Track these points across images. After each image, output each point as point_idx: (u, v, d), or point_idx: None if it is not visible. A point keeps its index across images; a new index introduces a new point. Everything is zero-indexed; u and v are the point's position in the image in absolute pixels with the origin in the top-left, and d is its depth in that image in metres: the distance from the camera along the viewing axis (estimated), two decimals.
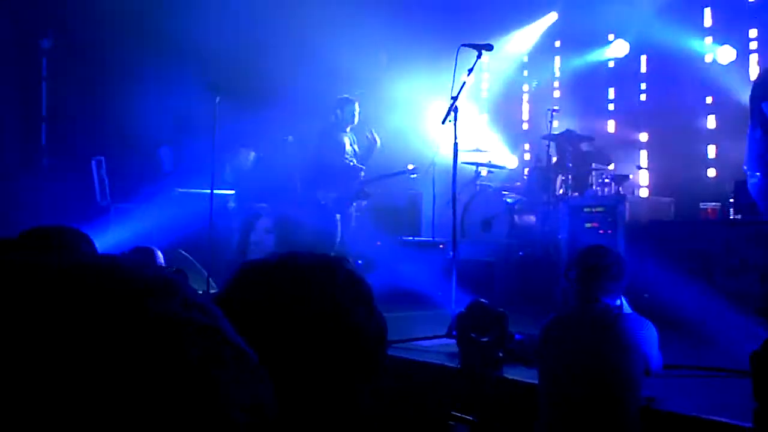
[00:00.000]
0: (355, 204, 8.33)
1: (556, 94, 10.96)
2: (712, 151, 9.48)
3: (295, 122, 9.78)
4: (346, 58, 9.81)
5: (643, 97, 10.16)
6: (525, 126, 11.46)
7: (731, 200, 7.62)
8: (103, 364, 0.48)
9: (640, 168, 9.69)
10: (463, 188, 7.89)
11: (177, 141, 9.44)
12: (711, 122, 9.52)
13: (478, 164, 9.32)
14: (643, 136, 10.15)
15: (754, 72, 8.92)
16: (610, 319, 3.48)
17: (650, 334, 3.51)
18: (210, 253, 7.52)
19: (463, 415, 1.79)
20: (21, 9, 9.60)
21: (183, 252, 7.68)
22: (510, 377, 4.48)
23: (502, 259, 8.12)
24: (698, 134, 9.54)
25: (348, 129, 8.30)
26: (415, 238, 9.34)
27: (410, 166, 8.66)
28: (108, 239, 7.54)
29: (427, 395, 4.70)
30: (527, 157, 10.98)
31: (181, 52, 9.30)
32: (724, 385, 4.39)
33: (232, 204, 9.25)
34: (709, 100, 9.51)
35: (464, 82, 6.01)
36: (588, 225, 7.48)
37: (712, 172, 9.40)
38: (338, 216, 8.08)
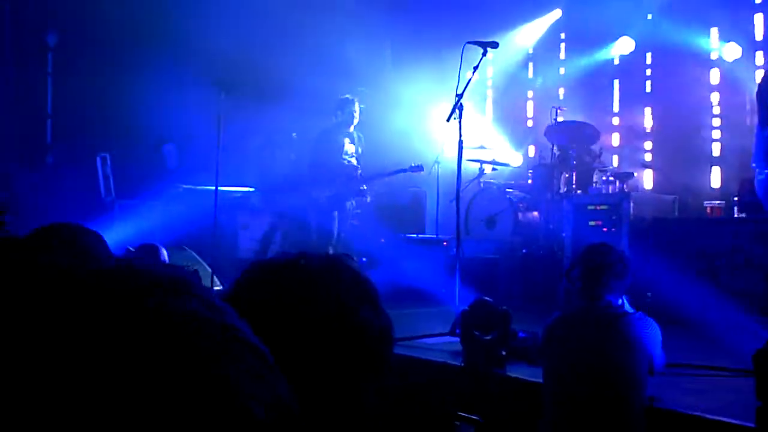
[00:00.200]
0: (354, 201, 8.31)
1: (561, 91, 10.94)
2: (716, 149, 9.46)
3: (299, 119, 9.79)
4: (350, 55, 9.82)
5: (648, 93, 10.14)
6: (530, 123, 11.45)
7: (736, 198, 7.62)
8: (118, 361, 0.49)
9: (644, 166, 9.68)
10: (467, 186, 7.89)
11: (182, 138, 9.45)
12: (716, 120, 9.50)
13: (482, 161, 9.32)
14: (648, 134, 10.14)
15: (760, 69, 8.90)
16: (614, 317, 3.47)
17: (654, 332, 3.50)
18: (214, 250, 7.53)
19: (469, 416, 1.79)
20: (27, 5, 9.61)
21: (187, 249, 7.69)
22: (513, 375, 4.49)
23: (506, 257, 8.13)
24: (703, 132, 9.53)
25: (351, 129, 8.27)
26: (419, 236, 9.35)
27: (413, 164, 8.64)
28: (112, 236, 7.55)
29: (430, 393, 4.71)
30: (531, 154, 10.97)
31: (186, 49, 9.31)
32: (727, 385, 4.39)
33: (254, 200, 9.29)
34: (714, 97, 9.49)
35: (469, 80, 6.02)
36: (592, 223, 7.48)
37: (716, 170, 9.39)
38: (335, 213, 8.07)
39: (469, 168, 8.72)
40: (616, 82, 10.51)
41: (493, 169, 9.52)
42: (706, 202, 8.20)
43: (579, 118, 9.33)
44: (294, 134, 9.87)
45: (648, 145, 10.12)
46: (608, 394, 3.37)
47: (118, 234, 7.47)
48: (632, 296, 6.07)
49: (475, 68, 6.01)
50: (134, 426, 0.47)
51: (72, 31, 9.65)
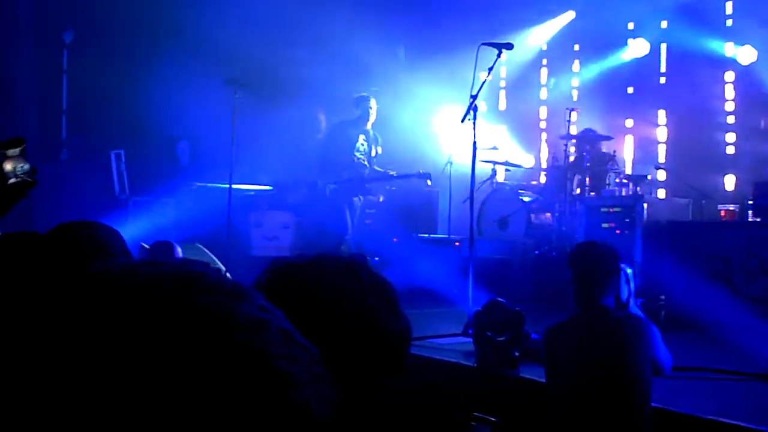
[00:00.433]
0: (362, 198, 8.31)
1: (575, 92, 10.92)
2: (731, 152, 9.42)
3: (313, 116, 9.81)
4: (364, 54, 9.83)
5: (661, 97, 10.10)
6: (542, 125, 11.43)
7: (750, 202, 7.58)
8: (190, 364, 0.51)
9: (658, 168, 9.64)
10: (479, 187, 7.88)
11: (196, 135, 9.49)
12: (730, 123, 9.46)
13: (495, 163, 9.31)
14: (662, 137, 10.10)
15: None
16: (611, 323, 3.43)
17: (651, 335, 3.45)
18: (227, 248, 7.56)
19: (486, 416, 1.79)
20: (44, 2, 9.67)
21: (200, 246, 7.72)
22: (526, 377, 4.49)
23: (519, 258, 8.12)
24: (718, 135, 9.48)
25: (368, 126, 8.27)
26: (431, 236, 9.35)
27: (420, 171, 8.62)
28: (126, 232, 7.56)
29: (442, 393, 4.71)
30: (544, 156, 10.95)
31: (200, 46, 9.35)
32: (742, 389, 4.38)
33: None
34: (729, 101, 9.45)
35: (484, 81, 6.01)
36: (605, 225, 7.46)
37: (730, 174, 9.35)
38: (346, 207, 8.08)
39: (482, 169, 8.72)
40: (630, 84, 10.46)
41: (506, 170, 9.50)
42: (720, 205, 8.16)
43: (592, 120, 9.31)
44: (320, 135, 9.88)
45: (662, 147, 10.08)
46: (612, 399, 3.35)
47: (131, 230, 7.50)
48: (646, 299, 6.07)
49: (490, 69, 6.00)
50: (205, 423, 0.50)
51: (88, 28, 9.71)
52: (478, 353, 4.73)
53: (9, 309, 0.54)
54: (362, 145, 8.23)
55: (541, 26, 11.08)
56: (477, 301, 5.54)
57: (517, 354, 4.58)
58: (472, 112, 6.00)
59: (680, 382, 4.51)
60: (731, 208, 7.84)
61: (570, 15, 11.00)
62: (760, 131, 8.90)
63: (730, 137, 9.42)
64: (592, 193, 8.38)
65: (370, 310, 1.26)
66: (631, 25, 10.20)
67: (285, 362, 0.54)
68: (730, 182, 9.29)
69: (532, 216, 8.71)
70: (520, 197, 8.83)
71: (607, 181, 8.50)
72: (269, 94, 9.34)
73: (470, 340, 4.96)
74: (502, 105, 11.86)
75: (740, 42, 9.23)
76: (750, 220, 7.34)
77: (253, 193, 9.52)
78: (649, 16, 9.94)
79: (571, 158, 8.72)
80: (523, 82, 11.42)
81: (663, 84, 10.09)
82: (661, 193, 9.27)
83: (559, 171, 8.78)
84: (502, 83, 11.76)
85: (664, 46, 10.01)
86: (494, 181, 9.31)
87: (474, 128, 6.06)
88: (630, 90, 10.47)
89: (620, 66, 10.40)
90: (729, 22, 9.42)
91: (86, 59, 9.56)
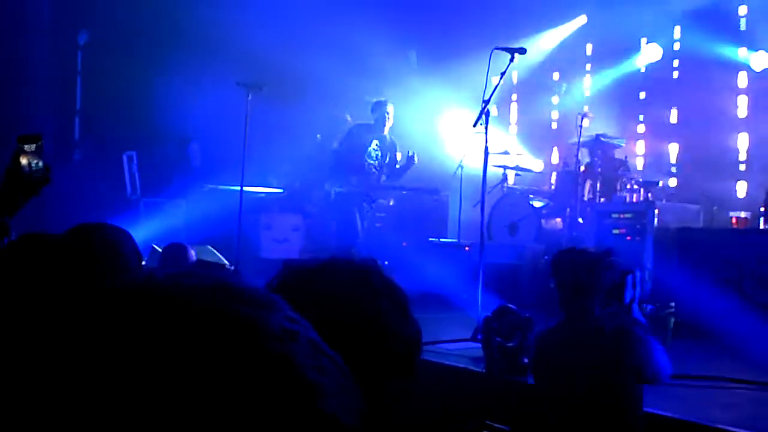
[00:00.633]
0: (372, 204, 8.28)
1: (587, 98, 10.88)
2: (743, 158, 9.37)
3: (324, 120, 9.83)
4: (376, 58, 9.84)
5: (674, 102, 10.07)
6: (554, 130, 11.40)
7: (762, 209, 7.54)
8: (230, 376, 0.53)
9: (669, 175, 9.61)
10: (490, 191, 7.87)
11: (208, 137, 9.53)
12: (743, 130, 9.41)
13: (505, 167, 9.30)
14: (674, 143, 10.06)
15: None
16: (596, 334, 3.36)
17: (641, 347, 3.34)
18: (237, 249, 7.58)
19: (499, 426, 1.79)
20: (59, 4, 9.73)
21: (211, 248, 7.74)
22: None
23: (528, 264, 8.10)
24: (730, 141, 9.44)
25: (385, 132, 8.20)
26: (441, 240, 9.35)
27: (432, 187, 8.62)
28: (138, 234, 7.60)
29: (451, 399, 4.70)
30: (555, 160, 10.93)
31: (213, 48, 9.39)
32: (753, 398, 4.35)
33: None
34: (741, 106, 9.41)
35: (496, 86, 6.01)
36: (615, 231, 7.44)
37: (742, 180, 9.30)
38: (356, 211, 8.04)
39: (492, 173, 8.71)
40: (642, 88, 10.43)
41: (516, 174, 9.49)
42: (731, 212, 8.12)
43: (604, 125, 9.28)
44: (318, 136, 9.90)
45: (673, 154, 10.04)
46: (598, 407, 3.30)
47: (142, 232, 7.53)
48: (656, 305, 6.05)
49: (503, 74, 6.00)
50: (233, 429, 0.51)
51: (102, 30, 9.77)
52: (486, 359, 4.72)
53: (46, 318, 0.56)
54: (375, 150, 8.15)
55: (553, 30, 11.07)
56: (486, 306, 5.53)
57: (526, 360, 4.56)
58: (484, 116, 6.00)
59: (690, 390, 4.50)
60: (743, 216, 7.81)
61: (582, 20, 10.99)
62: None
63: (743, 144, 9.38)
64: (603, 199, 8.35)
65: (382, 315, 1.26)
66: (643, 31, 10.18)
67: (314, 372, 0.55)
68: (741, 189, 9.25)
69: (543, 221, 8.69)
70: (531, 202, 8.81)
71: (618, 187, 8.47)
72: (281, 97, 9.36)
73: (479, 345, 4.95)
74: (514, 110, 11.84)
75: (753, 47, 9.19)
76: (762, 227, 7.30)
77: (263, 195, 9.55)
78: (661, 21, 9.91)
79: (582, 164, 8.70)
80: (534, 87, 11.40)
81: (675, 90, 10.06)
82: (672, 200, 9.24)
83: (569, 176, 8.75)
84: (514, 89, 11.74)
85: (676, 52, 9.98)
86: (505, 185, 9.30)
87: (486, 133, 6.06)
88: (642, 95, 10.44)
89: (633, 71, 10.37)
90: (742, 28, 9.39)
91: (100, 61, 9.62)
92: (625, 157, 8.88)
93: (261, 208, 9.31)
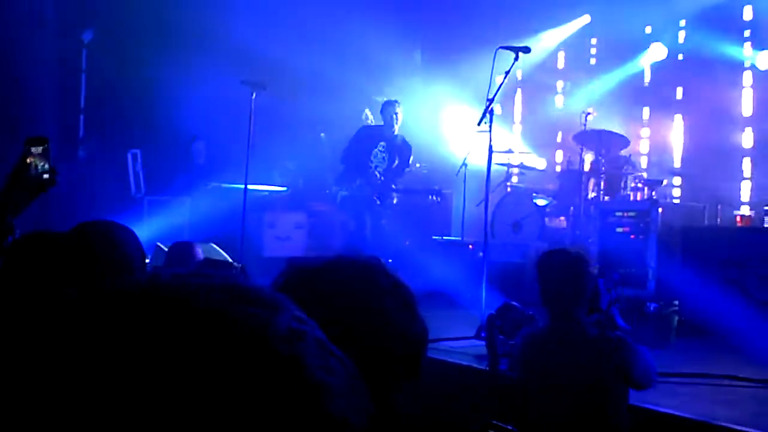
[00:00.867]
0: (380, 201, 8.25)
1: (591, 96, 10.86)
2: (748, 157, 9.35)
3: (328, 118, 9.83)
4: (381, 57, 9.84)
5: (678, 102, 10.05)
6: (557, 128, 11.39)
7: (766, 208, 7.53)
8: (238, 377, 0.53)
9: (674, 173, 9.60)
10: (494, 189, 7.87)
11: (212, 135, 9.54)
12: (748, 128, 9.39)
13: (509, 165, 9.30)
14: (678, 141, 10.05)
15: None
16: (582, 341, 3.32)
17: (627, 354, 3.31)
18: (240, 248, 7.58)
19: (504, 425, 1.79)
20: (63, 2, 9.75)
21: (214, 246, 7.75)
22: None
23: (532, 262, 8.08)
24: (735, 140, 9.42)
25: (394, 133, 8.10)
26: (445, 238, 9.35)
27: (436, 187, 8.61)
28: (142, 232, 7.61)
29: (454, 396, 4.71)
30: (559, 159, 10.91)
31: (218, 47, 9.40)
32: (755, 396, 4.36)
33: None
34: (747, 104, 9.39)
35: (501, 84, 6.02)
36: (619, 229, 7.43)
37: (747, 179, 9.28)
38: (362, 213, 8.02)
39: (496, 171, 8.71)
40: (647, 87, 10.41)
41: (520, 173, 9.49)
42: (735, 211, 8.11)
43: (608, 123, 9.27)
44: (323, 134, 9.90)
45: (678, 152, 10.02)
46: (583, 411, 3.26)
47: (147, 230, 7.55)
48: (660, 303, 6.04)
49: (507, 73, 6.01)
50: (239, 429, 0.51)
51: (107, 28, 9.78)
52: (490, 356, 4.72)
53: (51, 317, 0.56)
54: (380, 152, 8.12)
55: (557, 29, 11.05)
56: (490, 304, 5.54)
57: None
58: (488, 115, 6.00)
59: (693, 388, 4.50)
60: (747, 214, 7.80)
61: (585, 19, 10.97)
62: None
63: (747, 142, 9.36)
64: (607, 198, 8.35)
65: (388, 314, 1.26)
66: (648, 30, 10.16)
67: (322, 373, 0.55)
68: (746, 187, 9.23)
69: (546, 220, 8.69)
70: (534, 201, 8.80)
71: (623, 186, 8.46)
72: (285, 95, 9.37)
73: (483, 343, 4.96)
74: (518, 108, 11.83)
75: (759, 47, 9.17)
76: (766, 226, 7.29)
77: (267, 193, 9.56)
78: (666, 20, 9.88)
79: (586, 162, 8.69)
80: (538, 86, 11.39)
81: (680, 88, 10.04)
82: (677, 198, 9.23)
83: (573, 174, 8.75)
84: (518, 88, 11.73)
85: (682, 51, 9.95)
86: (508, 184, 9.29)
87: (490, 131, 6.07)
88: (646, 94, 10.42)
89: (637, 70, 10.35)
90: (748, 27, 9.36)
91: (104, 59, 9.63)
92: (629, 155, 8.86)
93: (264, 206, 9.31)
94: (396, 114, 8.05)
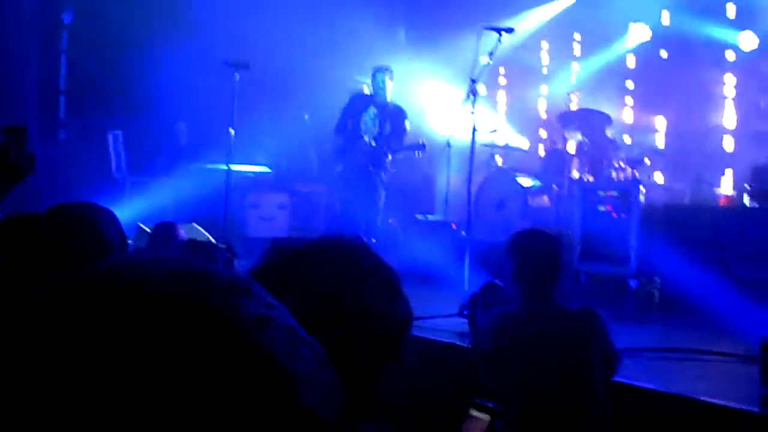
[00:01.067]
0: (383, 175, 8.03)
1: (574, 76, 10.87)
2: (730, 138, 9.41)
3: (311, 98, 9.79)
4: (364, 35, 9.79)
5: (662, 82, 10.08)
6: (541, 108, 11.40)
7: (747, 186, 7.59)
8: (201, 366, 0.51)
9: (657, 152, 9.64)
10: (478, 169, 7.87)
11: (195, 116, 9.48)
12: (729, 108, 9.44)
13: (493, 146, 9.30)
14: (661, 121, 10.09)
15: None
16: (562, 319, 3.29)
17: (605, 328, 3.31)
18: (224, 228, 7.57)
19: (486, 402, 1.80)
20: None
21: (196, 226, 7.74)
22: None
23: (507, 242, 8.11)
24: (717, 119, 9.47)
25: (385, 100, 7.94)
26: (428, 217, 9.36)
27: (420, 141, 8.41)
28: (123, 212, 7.59)
29: (436, 373, 4.74)
30: (542, 139, 10.93)
31: (200, 27, 9.31)
32: (735, 371, 4.42)
33: None
34: (729, 84, 9.43)
35: (485, 65, 6.01)
36: (601, 208, 7.47)
37: (728, 158, 9.34)
38: (356, 193, 7.90)
39: (480, 151, 8.71)
40: (630, 68, 10.43)
41: (504, 152, 9.50)
42: (717, 189, 8.17)
43: (592, 103, 9.29)
44: (306, 115, 9.86)
45: (661, 132, 10.06)
46: (564, 397, 3.21)
47: (129, 211, 7.52)
48: (641, 281, 6.10)
49: (491, 53, 6.00)
50: (209, 423, 0.50)
51: (87, 9, 9.66)
52: (472, 334, 4.75)
53: (8, 309, 0.54)
54: (370, 118, 8.01)
55: (541, 8, 11.02)
56: (473, 283, 5.57)
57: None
58: (472, 95, 6.00)
59: (672, 363, 4.56)
60: (729, 193, 7.86)
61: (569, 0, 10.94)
62: (759, 115, 8.89)
63: (730, 123, 9.41)
64: (590, 177, 8.39)
65: (371, 295, 1.26)
66: (631, 11, 10.15)
67: (289, 360, 0.54)
68: (728, 167, 9.29)
69: (530, 199, 8.72)
70: (518, 180, 8.83)
71: (606, 166, 8.50)
72: (268, 76, 9.31)
73: (465, 321, 4.99)
74: (502, 89, 11.81)
75: (741, 27, 9.19)
76: (747, 205, 7.36)
77: (250, 174, 9.53)
78: (649, 1, 9.88)
79: (569, 142, 8.72)
80: (522, 66, 11.37)
81: (663, 69, 10.06)
82: (659, 178, 9.28)
83: (556, 154, 8.78)
84: (501, 68, 11.70)
85: (665, 32, 9.96)
86: (492, 163, 9.31)
87: (473, 112, 6.07)
88: (630, 74, 10.44)
89: (621, 52, 10.35)
90: (730, 8, 9.38)
91: (85, 40, 9.52)
92: (612, 135, 8.90)
93: (248, 186, 9.29)
94: (380, 82, 7.97)
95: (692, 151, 9.25)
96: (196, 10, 9.36)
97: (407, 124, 8.05)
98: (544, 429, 3.25)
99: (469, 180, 6.19)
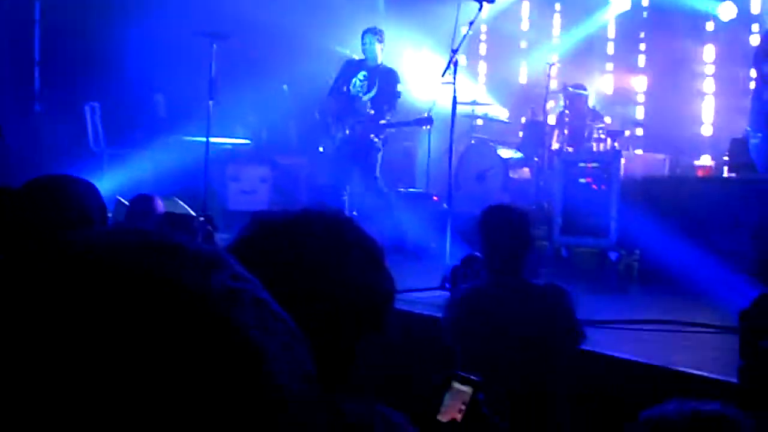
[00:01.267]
0: (378, 140, 7.77)
1: (555, 47, 10.84)
2: (708, 108, 9.45)
3: (291, 70, 9.70)
4: (343, 4, 9.69)
5: (642, 52, 10.08)
6: (522, 79, 11.37)
7: (726, 158, 7.64)
8: (159, 341, 0.49)
9: (636, 124, 9.67)
10: (458, 141, 7.84)
11: (172, 88, 9.36)
12: (709, 80, 9.47)
13: (474, 117, 9.28)
14: (641, 91, 10.11)
15: (756, 34, 8.83)
16: (531, 294, 3.31)
17: (572, 303, 3.33)
18: (204, 201, 7.52)
19: (468, 375, 1.81)
20: None
21: (176, 199, 7.67)
22: None
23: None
24: (696, 90, 9.51)
25: (376, 63, 7.76)
26: (409, 190, 9.35)
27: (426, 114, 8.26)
28: (102, 185, 7.49)
29: (417, 346, 4.75)
30: (524, 111, 10.93)
31: None
32: (713, 342, 4.46)
33: None
34: (708, 57, 9.45)
35: (465, 35, 5.97)
36: (582, 180, 7.49)
37: (707, 130, 9.39)
38: (345, 165, 7.77)
39: (461, 123, 8.67)
40: (611, 39, 10.42)
41: (485, 124, 9.48)
42: (696, 161, 8.22)
43: (572, 74, 9.29)
44: (285, 86, 9.77)
45: (640, 103, 10.09)
46: (529, 373, 3.22)
47: (107, 183, 7.44)
48: (621, 253, 6.14)
49: (471, 23, 5.96)
50: (173, 401, 0.48)
51: None
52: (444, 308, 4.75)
53: None
54: (359, 80, 7.86)
55: None
56: (454, 255, 5.57)
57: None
58: (452, 66, 5.97)
59: (652, 334, 4.60)
60: (707, 164, 7.91)
61: None
62: (738, 87, 8.92)
63: (709, 93, 9.45)
64: (571, 149, 8.40)
65: (353, 268, 1.25)
66: None
67: (259, 334, 0.52)
68: (707, 137, 9.34)
69: (510, 171, 8.73)
70: (498, 152, 8.83)
71: (586, 137, 8.52)
72: (247, 46, 9.21)
73: (447, 294, 4.99)
74: (482, 60, 11.77)
75: None
76: (726, 176, 7.40)
77: (230, 146, 9.45)
78: None
79: (550, 113, 8.72)
80: (502, 35, 11.32)
81: (643, 39, 10.06)
82: (639, 149, 9.32)
83: (537, 126, 8.78)
84: (482, 36, 11.65)
85: (645, 2, 9.95)
86: (473, 135, 9.29)
87: (454, 82, 6.04)
88: (610, 44, 10.43)
89: (602, 23, 10.34)
90: None
91: (59, 9, 9.34)
92: (593, 106, 8.91)
93: (228, 159, 9.21)
94: (367, 44, 7.77)
95: (672, 120, 9.28)
96: None
97: (399, 88, 7.84)
98: (507, 403, 3.21)
99: (450, 152, 6.18)
